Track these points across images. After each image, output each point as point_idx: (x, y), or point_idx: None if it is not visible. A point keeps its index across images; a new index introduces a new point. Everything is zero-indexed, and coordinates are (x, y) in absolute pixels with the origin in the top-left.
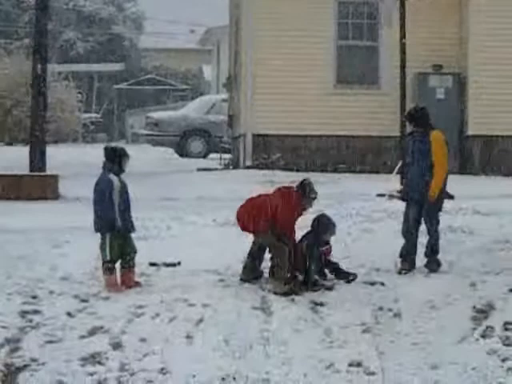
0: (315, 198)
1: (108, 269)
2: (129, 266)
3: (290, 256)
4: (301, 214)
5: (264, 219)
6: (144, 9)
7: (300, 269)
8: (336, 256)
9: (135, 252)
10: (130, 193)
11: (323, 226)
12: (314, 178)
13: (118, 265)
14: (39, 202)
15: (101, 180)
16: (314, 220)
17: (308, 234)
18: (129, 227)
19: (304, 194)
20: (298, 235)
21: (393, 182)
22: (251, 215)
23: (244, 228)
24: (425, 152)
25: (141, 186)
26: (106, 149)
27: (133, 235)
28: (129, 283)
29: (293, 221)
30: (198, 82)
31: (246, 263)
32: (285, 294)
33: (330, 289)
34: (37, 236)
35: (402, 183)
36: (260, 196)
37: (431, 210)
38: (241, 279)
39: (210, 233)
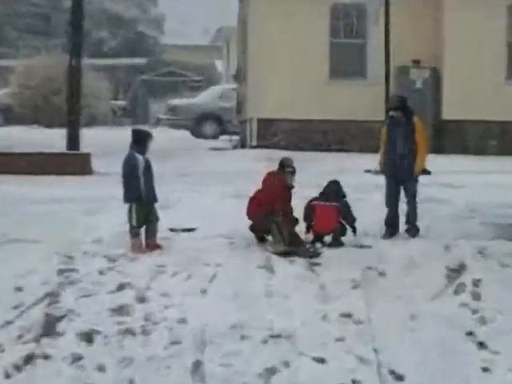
0: (291, 171)
1: (134, 233)
2: (152, 231)
3: (279, 227)
4: (288, 189)
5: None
6: (164, 11)
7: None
8: None
9: (157, 219)
10: (153, 168)
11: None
12: (311, 156)
13: (142, 230)
14: (75, 177)
15: (128, 158)
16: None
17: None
18: (152, 198)
19: (283, 171)
20: None
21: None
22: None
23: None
24: (408, 135)
25: (162, 162)
26: (133, 131)
27: (156, 205)
28: (151, 246)
29: (277, 198)
30: (211, 74)
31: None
32: (281, 254)
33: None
34: (73, 205)
35: (382, 158)
36: (256, 192)
37: (411, 184)
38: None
39: (220, 203)
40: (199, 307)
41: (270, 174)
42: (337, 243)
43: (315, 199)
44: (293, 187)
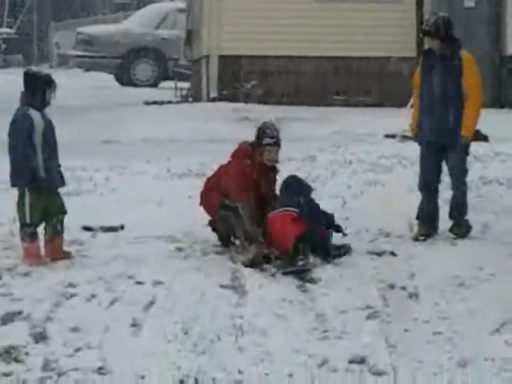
0: (271, 143)
1: (28, 235)
2: (55, 232)
3: (246, 224)
4: (266, 169)
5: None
6: None
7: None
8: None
9: (64, 213)
10: (57, 134)
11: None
12: (300, 113)
13: (41, 229)
14: None
15: (17, 117)
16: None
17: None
18: (55, 180)
19: (258, 143)
20: None
21: (406, 118)
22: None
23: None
24: (453, 78)
25: (71, 124)
26: (25, 75)
27: (61, 190)
28: (55, 254)
29: (237, 181)
30: None
31: None
32: (250, 265)
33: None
34: None
35: (414, 119)
36: (217, 171)
37: (458, 156)
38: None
39: (164, 187)
40: (128, 350)
41: (237, 148)
42: (326, 253)
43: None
44: (275, 167)
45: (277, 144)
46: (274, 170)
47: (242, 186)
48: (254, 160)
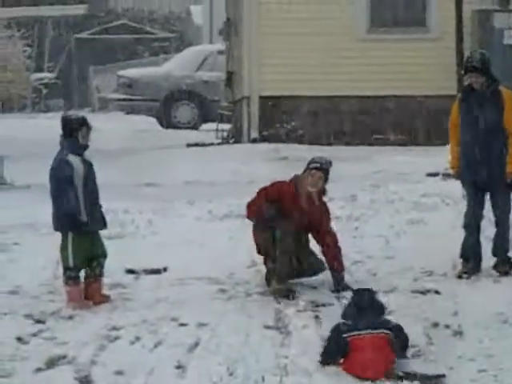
0: (316, 168)
1: (71, 278)
2: (95, 275)
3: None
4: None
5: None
6: None
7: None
8: (375, 256)
9: (105, 256)
10: (99, 177)
11: None
12: (340, 152)
13: (84, 273)
14: None
15: (57, 161)
16: None
17: None
18: (97, 223)
19: (305, 169)
20: None
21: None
22: None
23: None
24: (495, 115)
25: (112, 168)
26: (63, 119)
27: (103, 233)
28: (96, 297)
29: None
30: (185, 27)
31: None
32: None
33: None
34: None
35: (454, 157)
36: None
37: (502, 193)
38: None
39: (206, 229)
40: None
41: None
42: None
43: (346, 326)
44: (324, 203)
45: (323, 169)
46: (323, 204)
47: (269, 196)
48: (300, 191)
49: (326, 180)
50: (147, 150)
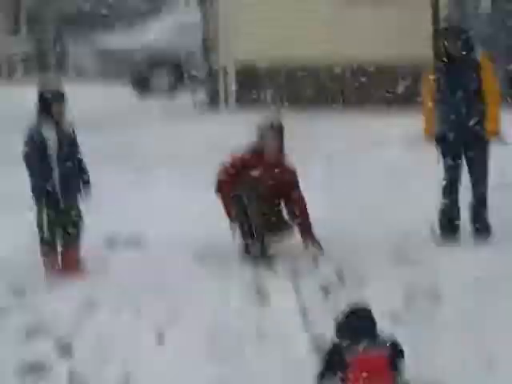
0: (269, 127)
1: (47, 249)
2: (72, 245)
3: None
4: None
5: None
6: None
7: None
8: (353, 221)
9: (82, 226)
10: (82, 145)
11: None
12: (321, 118)
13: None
14: None
15: (29, 134)
16: None
17: None
18: (71, 196)
19: (258, 134)
20: None
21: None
22: None
23: None
24: (472, 77)
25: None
26: (39, 91)
27: (80, 201)
28: (73, 268)
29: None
30: None
31: None
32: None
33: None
34: None
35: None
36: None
37: (479, 155)
38: None
39: (186, 197)
40: (153, 361)
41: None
42: None
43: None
44: (281, 152)
45: (274, 128)
46: (288, 166)
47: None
48: (258, 155)
49: (281, 139)
50: (123, 118)
